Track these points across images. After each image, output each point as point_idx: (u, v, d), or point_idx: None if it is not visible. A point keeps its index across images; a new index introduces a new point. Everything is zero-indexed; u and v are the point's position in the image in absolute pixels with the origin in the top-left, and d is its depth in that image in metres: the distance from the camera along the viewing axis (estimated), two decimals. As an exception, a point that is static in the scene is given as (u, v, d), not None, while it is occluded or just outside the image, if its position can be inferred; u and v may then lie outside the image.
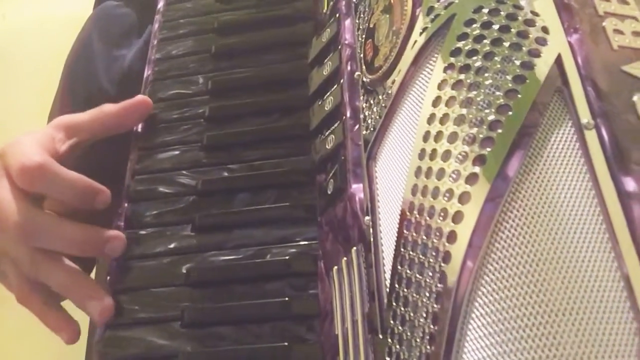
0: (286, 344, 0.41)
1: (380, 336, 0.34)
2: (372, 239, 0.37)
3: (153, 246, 0.46)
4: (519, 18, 0.33)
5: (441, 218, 0.31)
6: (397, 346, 0.32)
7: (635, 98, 0.31)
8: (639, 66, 0.32)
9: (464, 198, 0.30)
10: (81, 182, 0.44)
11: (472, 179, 0.30)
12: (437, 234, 0.31)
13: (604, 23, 0.33)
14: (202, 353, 0.42)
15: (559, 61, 0.32)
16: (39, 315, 0.45)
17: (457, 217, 0.30)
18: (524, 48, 0.32)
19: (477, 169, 0.30)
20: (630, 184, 0.28)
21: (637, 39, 0.33)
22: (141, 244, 0.46)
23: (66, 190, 0.44)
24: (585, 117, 0.30)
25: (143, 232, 0.47)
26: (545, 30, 0.33)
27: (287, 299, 0.42)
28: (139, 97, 0.50)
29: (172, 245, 0.46)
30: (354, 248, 0.38)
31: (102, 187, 0.45)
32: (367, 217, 0.37)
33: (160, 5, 0.57)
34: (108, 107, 0.48)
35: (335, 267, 0.39)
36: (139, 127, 0.51)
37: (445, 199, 0.31)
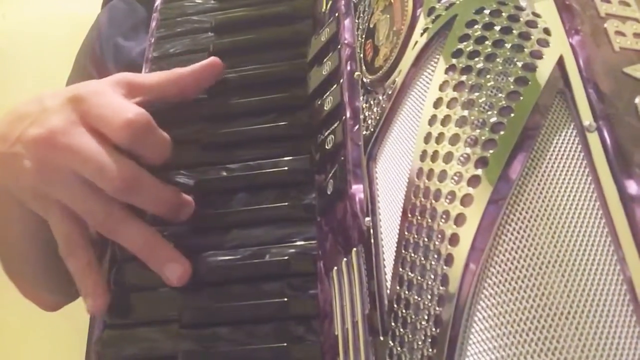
0: (285, 344, 0.41)
1: (382, 338, 0.33)
2: (372, 240, 0.36)
3: (151, 246, 0.46)
4: (521, 19, 0.33)
5: (443, 220, 0.31)
6: (399, 348, 0.32)
7: (637, 100, 0.31)
8: (641, 68, 0.32)
9: (466, 200, 0.30)
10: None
11: (474, 181, 0.30)
12: (439, 236, 0.30)
13: (606, 25, 0.33)
14: (200, 353, 0.42)
15: (560, 63, 0.32)
16: (80, 273, 0.43)
17: (460, 220, 0.30)
18: (525, 49, 0.32)
19: (479, 171, 0.30)
20: (632, 187, 0.28)
21: (639, 40, 0.33)
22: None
23: (160, 149, 0.43)
24: (587, 119, 0.30)
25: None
26: (546, 31, 0.33)
27: (285, 299, 0.42)
28: (213, 58, 0.49)
29: (170, 246, 0.46)
30: (354, 249, 0.38)
31: None
32: (367, 218, 0.37)
33: (158, 3, 0.57)
34: (181, 69, 0.48)
35: (335, 268, 0.39)
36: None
37: (447, 201, 0.31)
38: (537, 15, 0.33)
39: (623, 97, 0.31)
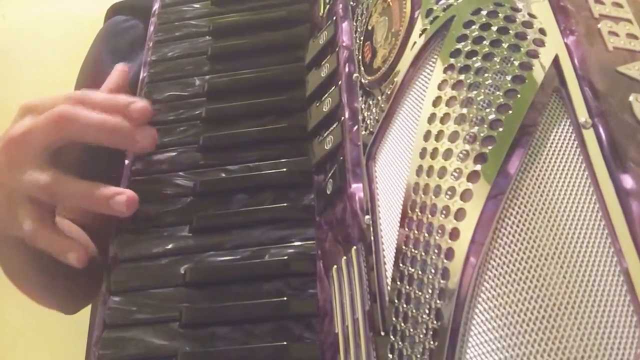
0: (285, 343, 0.41)
1: (382, 333, 0.34)
2: (372, 238, 0.37)
3: (151, 247, 0.46)
4: (517, 20, 0.34)
5: (443, 215, 0.31)
6: (400, 343, 0.32)
7: (631, 98, 0.31)
8: (635, 67, 0.33)
9: (466, 195, 0.31)
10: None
11: (473, 176, 0.31)
12: (440, 231, 0.31)
13: (599, 25, 0.34)
14: (200, 353, 0.42)
15: (556, 62, 0.33)
16: (50, 243, 0.46)
17: (460, 215, 0.30)
18: (522, 49, 0.33)
19: (478, 167, 0.31)
20: (628, 182, 0.29)
21: (632, 40, 0.34)
22: (139, 245, 0.46)
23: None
24: (582, 116, 0.31)
25: (140, 232, 0.47)
26: (542, 32, 0.34)
27: (285, 298, 0.42)
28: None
29: (169, 246, 0.46)
30: (354, 247, 0.38)
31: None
32: (367, 217, 0.38)
33: (156, 7, 0.58)
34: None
35: (335, 267, 0.40)
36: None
37: (447, 196, 0.31)
38: (533, 16, 0.34)
39: (617, 95, 0.31)
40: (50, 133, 0.45)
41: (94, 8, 0.67)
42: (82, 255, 0.46)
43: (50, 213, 0.48)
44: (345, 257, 0.39)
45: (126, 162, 0.50)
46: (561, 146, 0.31)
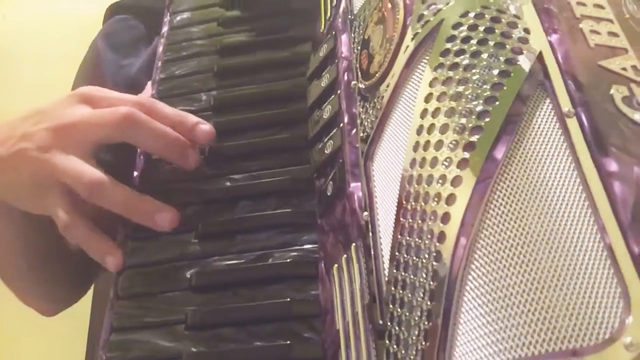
0: (288, 342, 0.42)
1: (380, 322, 0.35)
2: (370, 234, 0.38)
3: (157, 253, 0.47)
4: (503, 20, 0.36)
5: (435, 202, 0.33)
6: (396, 328, 0.33)
7: (612, 90, 0.33)
8: (615, 62, 0.34)
9: (456, 181, 0.32)
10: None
11: (463, 163, 0.32)
12: (432, 216, 0.32)
13: (581, 25, 0.36)
14: (205, 354, 0.43)
15: (540, 58, 0.34)
16: (86, 241, 0.46)
17: (451, 199, 0.32)
18: (507, 46, 0.35)
19: (467, 155, 0.32)
20: (610, 164, 0.30)
21: (613, 38, 0.35)
22: (145, 251, 0.48)
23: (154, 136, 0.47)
24: (566, 106, 0.33)
25: (147, 239, 0.48)
26: (526, 31, 0.36)
27: (288, 299, 0.43)
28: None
29: (176, 253, 0.47)
30: (353, 244, 0.39)
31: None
32: (365, 213, 0.39)
33: (165, 29, 0.60)
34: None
35: (336, 265, 0.41)
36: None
37: (439, 184, 0.33)
38: (518, 17, 0.36)
39: (599, 87, 0.33)
40: (110, 130, 0.45)
41: (94, 8, 0.69)
42: (120, 260, 0.46)
43: (81, 205, 0.47)
44: (345, 255, 0.40)
45: (135, 173, 0.52)
46: (546, 133, 0.32)
